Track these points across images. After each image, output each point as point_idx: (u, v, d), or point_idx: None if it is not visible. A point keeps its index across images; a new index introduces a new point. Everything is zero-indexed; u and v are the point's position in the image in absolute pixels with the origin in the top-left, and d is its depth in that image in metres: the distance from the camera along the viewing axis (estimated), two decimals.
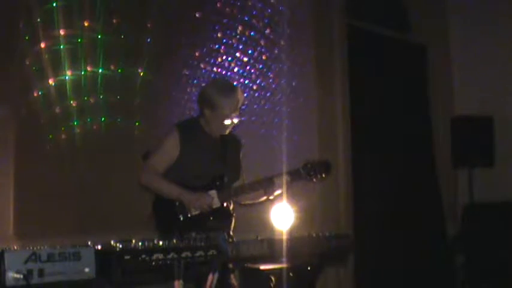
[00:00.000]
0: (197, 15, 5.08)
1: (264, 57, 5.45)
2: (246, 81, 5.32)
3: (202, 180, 3.90)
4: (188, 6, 5.06)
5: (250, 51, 5.36)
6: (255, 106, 5.37)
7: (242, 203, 4.14)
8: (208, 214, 3.89)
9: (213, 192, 3.90)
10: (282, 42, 5.53)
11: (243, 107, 3.99)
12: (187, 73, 5.01)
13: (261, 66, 5.43)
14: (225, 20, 5.24)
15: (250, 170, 4.16)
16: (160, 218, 3.96)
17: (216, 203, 3.90)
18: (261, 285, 3.80)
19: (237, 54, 5.29)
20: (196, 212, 3.89)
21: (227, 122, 3.92)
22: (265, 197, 3.98)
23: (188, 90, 4.96)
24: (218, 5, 5.22)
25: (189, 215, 3.88)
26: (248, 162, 4.18)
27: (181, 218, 3.88)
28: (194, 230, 3.58)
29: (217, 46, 5.18)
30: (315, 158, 4.20)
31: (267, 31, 5.50)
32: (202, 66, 5.08)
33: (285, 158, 4.49)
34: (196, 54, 5.07)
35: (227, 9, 5.26)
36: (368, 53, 6.32)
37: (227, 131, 4.00)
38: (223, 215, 3.95)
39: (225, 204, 3.95)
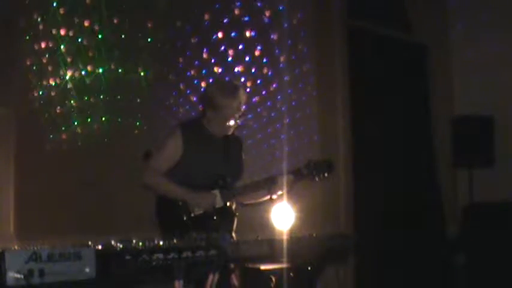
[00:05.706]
0: (197, 15, 5.08)
1: (264, 57, 5.45)
2: (247, 81, 5.31)
3: (205, 179, 3.90)
4: (189, 7, 5.05)
5: (250, 51, 5.36)
6: (255, 106, 5.36)
7: (244, 203, 4.13)
8: (211, 213, 3.89)
9: (216, 192, 3.90)
10: (282, 42, 5.52)
11: (244, 107, 3.97)
12: (187, 73, 5.01)
13: (261, 66, 5.43)
14: (225, 20, 5.24)
15: (253, 170, 4.16)
16: (164, 218, 3.95)
17: (219, 203, 3.91)
18: (261, 285, 3.79)
19: (238, 54, 5.28)
20: (200, 212, 3.89)
21: (231, 122, 3.92)
22: (268, 197, 3.96)
23: (188, 90, 4.96)
24: (219, 5, 5.22)
25: (192, 215, 3.88)
26: (250, 162, 4.18)
27: (185, 218, 3.88)
28: (197, 229, 3.58)
29: (217, 46, 5.18)
30: (316, 157, 4.20)
31: (268, 31, 5.50)
32: (202, 66, 5.08)
33: (286, 158, 4.49)
34: (197, 54, 5.06)
35: (227, 9, 5.26)
36: (368, 53, 6.31)
37: (231, 131, 4.00)
38: (226, 214, 3.96)
39: (228, 204, 3.95)
